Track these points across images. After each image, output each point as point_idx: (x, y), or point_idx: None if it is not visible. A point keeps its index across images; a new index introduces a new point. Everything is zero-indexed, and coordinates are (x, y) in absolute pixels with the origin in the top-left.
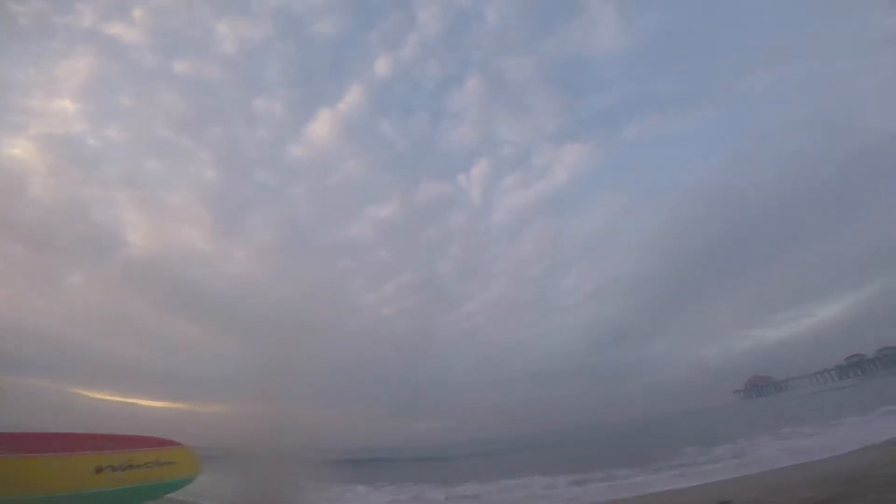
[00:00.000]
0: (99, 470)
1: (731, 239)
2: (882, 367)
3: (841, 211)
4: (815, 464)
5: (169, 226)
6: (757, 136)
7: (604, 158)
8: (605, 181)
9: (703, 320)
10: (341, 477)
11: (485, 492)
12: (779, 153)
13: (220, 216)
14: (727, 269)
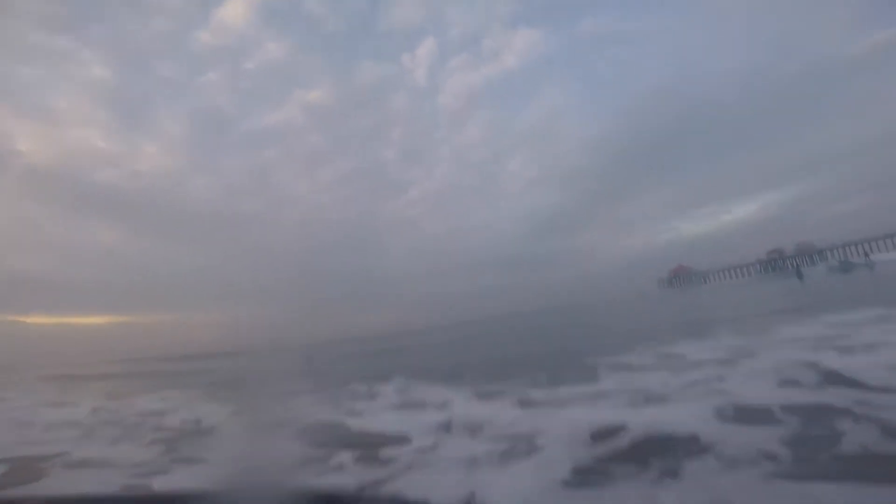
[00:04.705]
0: None
1: (663, 139)
2: (801, 261)
3: (766, 122)
4: None
5: (61, 130)
6: (707, 47)
7: (556, 48)
8: (556, 72)
9: (631, 212)
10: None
11: None
12: (723, 65)
13: (118, 114)
14: (657, 167)
